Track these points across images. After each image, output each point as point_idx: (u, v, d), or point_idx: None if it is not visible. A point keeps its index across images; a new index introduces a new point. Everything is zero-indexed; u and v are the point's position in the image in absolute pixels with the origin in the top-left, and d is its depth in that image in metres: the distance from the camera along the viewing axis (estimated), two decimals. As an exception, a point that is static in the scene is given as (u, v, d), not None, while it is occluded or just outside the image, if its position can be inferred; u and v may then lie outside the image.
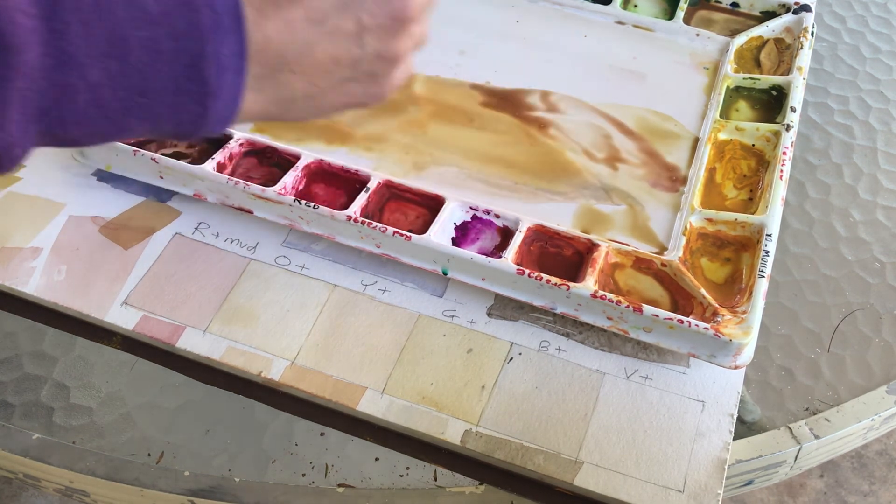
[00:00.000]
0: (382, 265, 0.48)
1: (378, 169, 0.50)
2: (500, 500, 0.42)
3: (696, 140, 0.53)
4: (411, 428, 0.42)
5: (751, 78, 0.55)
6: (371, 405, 0.42)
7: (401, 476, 0.42)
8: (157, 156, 0.48)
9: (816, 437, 0.45)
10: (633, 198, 0.50)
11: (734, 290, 0.44)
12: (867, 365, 0.48)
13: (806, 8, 0.58)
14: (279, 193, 0.46)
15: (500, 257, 0.44)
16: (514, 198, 0.49)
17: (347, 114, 0.53)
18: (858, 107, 0.61)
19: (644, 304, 0.42)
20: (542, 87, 0.56)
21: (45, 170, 0.52)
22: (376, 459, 0.43)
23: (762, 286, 0.43)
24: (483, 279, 0.45)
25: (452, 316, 0.46)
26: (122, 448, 0.43)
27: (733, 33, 0.59)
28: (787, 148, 0.49)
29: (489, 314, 0.46)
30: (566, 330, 0.45)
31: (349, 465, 0.43)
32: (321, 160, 0.49)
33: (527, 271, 0.43)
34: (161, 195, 0.51)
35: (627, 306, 0.42)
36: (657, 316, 0.42)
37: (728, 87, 0.55)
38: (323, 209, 0.46)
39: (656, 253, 0.46)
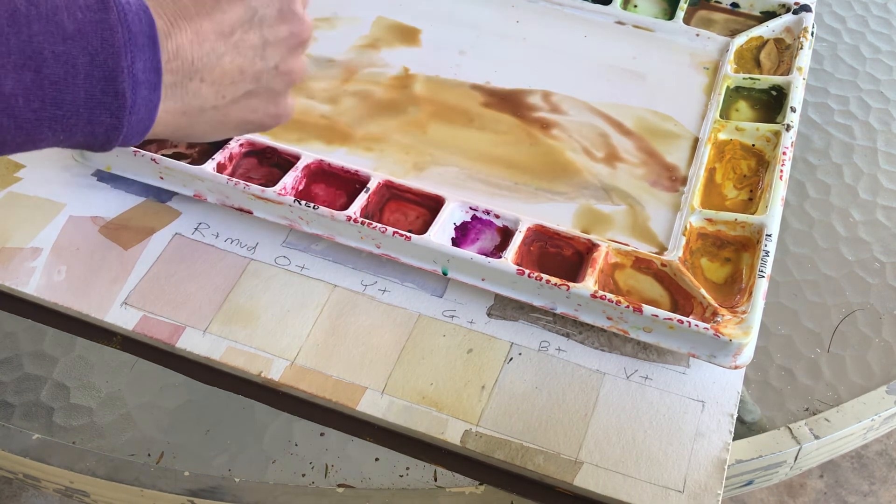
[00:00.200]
0: (382, 265, 0.48)
1: (378, 169, 0.50)
2: (500, 500, 0.42)
3: (696, 140, 0.53)
4: (411, 428, 0.42)
5: (751, 78, 0.55)
6: (371, 405, 0.42)
7: (401, 476, 0.42)
8: (157, 156, 0.48)
9: (816, 437, 0.45)
10: (633, 198, 0.50)
11: (734, 290, 0.44)
12: (867, 365, 0.48)
13: (806, 8, 0.58)
14: (279, 194, 0.46)
15: (500, 257, 0.44)
16: (513, 198, 0.49)
17: (347, 114, 0.53)
18: (858, 107, 0.61)
19: (644, 304, 0.42)
20: (543, 88, 0.56)
21: (45, 170, 0.52)
22: (376, 459, 0.43)
23: (762, 286, 0.43)
24: (483, 279, 0.45)
25: (452, 316, 0.46)
26: (122, 448, 0.43)
27: (733, 33, 0.59)
28: (787, 148, 0.49)
29: (489, 314, 0.46)
30: (566, 330, 0.45)
31: (349, 465, 0.43)
32: (321, 160, 0.49)
33: (527, 271, 0.43)
34: (161, 195, 0.51)
35: (627, 306, 0.42)
36: (657, 316, 0.42)
37: (728, 87, 0.55)
38: (323, 209, 0.46)
39: (656, 253, 0.46)
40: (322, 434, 0.44)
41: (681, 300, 0.44)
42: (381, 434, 0.43)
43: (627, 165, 0.51)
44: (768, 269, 0.44)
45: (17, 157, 0.52)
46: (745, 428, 0.45)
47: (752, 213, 0.47)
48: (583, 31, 0.60)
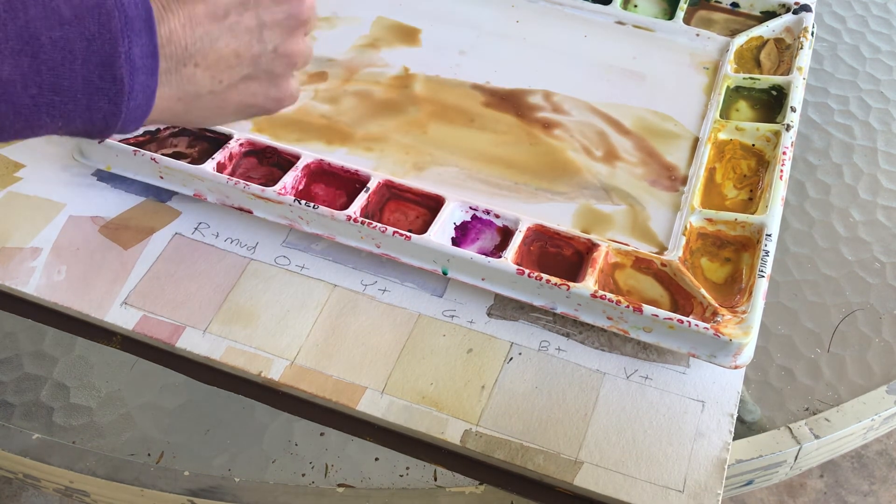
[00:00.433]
0: (382, 265, 0.48)
1: (378, 169, 0.50)
2: (500, 500, 0.42)
3: (696, 140, 0.53)
4: (411, 428, 0.42)
5: (751, 78, 0.55)
6: (371, 405, 0.42)
7: (401, 476, 0.42)
8: (157, 156, 0.48)
9: (816, 437, 0.45)
10: (633, 198, 0.50)
11: (734, 290, 0.44)
12: (867, 365, 0.48)
13: (806, 8, 0.58)
14: (279, 193, 0.46)
15: (500, 257, 0.44)
16: (513, 198, 0.49)
17: (347, 114, 0.53)
18: (858, 107, 0.61)
19: (644, 304, 0.42)
20: (543, 88, 0.56)
21: (45, 170, 0.52)
22: (376, 459, 0.43)
23: (762, 286, 0.43)
24: (483, 279, 0.45)
25: (452, 316, 0.46)
26: (122, 448, 0.43)
27: (733, 33, 0.59)
28: (787, 148, 0.49)
29: (489, 314, 0.46)
30: (566, 330, 0.45)
31: (349, 465, 0.43)
32: (321, 160, 0.49)
33: (527, 271, 0.43)
34: (161, 195, 0.51)
35: (627, 306, 0.42)
36: (657, 316, 0.42)
37: (728, 87, 0.55)
38: (323, 209, 0.46)
39: (656, 253, 0.46)
40: (322, 434, 0.44)
41: (681, 300, 0.44)
42: (381, 434, 0.43)
43: (627, 165, 0.51)
44: (768, 269, 0.44)
45: (18, 157, 0.52)
46: (745, 428, 0.45)
47: (752, 213, 0.47)
48: (583, 31, 0.60)
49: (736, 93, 0.55)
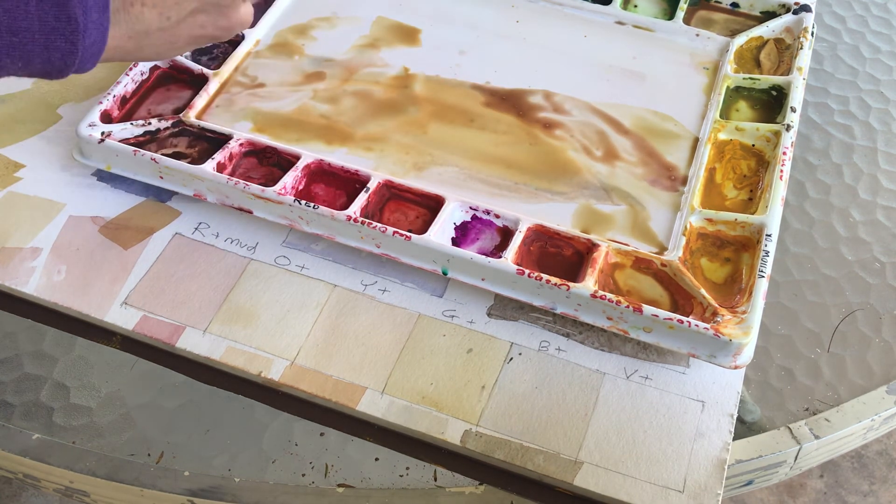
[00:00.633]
0: (382, 265, 0.48)
1: (378, 169, 0.50)
2: (500, 500, 0.42)
3: (696, 140, 0.53)
4: (411, 428, 0.42)
5: (751, 78, 0.55)
6: (371, 405, 0.42)
7: (401, 476, 0.42)
8: (157, 156, 0.48)
9: (816, 437, 0.45)
10: (633, 198, 0.50)
11: (734, 290, 0.44)
12: (867, 365, 0.48)
13: (806, 8, 0.58)
14: (279, 193, 0.46)
15: (500, 257, 0.44)
16: (514, 198, 0.49)
17: (347, 114, 0.53)
18: (858, 107, 0.61)
19: (644, 304, 0.42)
20: (543, 88, 0.56)
21: (45, 170, 0.52)
22: (376, 459, 0.43)
23: (762, 286, 0.43)
24: (483, 279, 0.45)
25: (452, 316, 0.46)
26: (122, 448, 0.43)
27: (733, 33, 0.59)
28: (787, 148, 0.49)
29: (489, 314, 0.46)
30: (566, 330, 0.45)
31: (349, 465, 0.43)
32: (321, 160, 0.49)
33: (527, 271, 0.43)
34: (161, 195, 0.51)
35: (627, 306, 0.42)
36: (657, 316, 0.42)
37: (728, 87, 0.55)
38: (323, 209, 0.46)
39: (656, 253, 0.46)
40: (322, 434, 0.44)
41: (681, 300, 0.44)
42: (381, 434, 0.43)
43: (627, 165, 0.51)
44: (768, 269, 0.44)
45: (17, 157, 0.52)
46: (745, 428, 0.45)
47: (752, 213, 0.47)
48: (583, 31, 0.60)
49: (736, 93, 0.55)
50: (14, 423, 0.44)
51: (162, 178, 0.49)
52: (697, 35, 0.59)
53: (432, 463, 0.42)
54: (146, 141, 0.50)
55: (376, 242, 0.46)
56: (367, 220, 0.45)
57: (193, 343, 0.44)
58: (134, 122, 0.51)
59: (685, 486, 0.40)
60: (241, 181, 0.47)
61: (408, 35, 0.59)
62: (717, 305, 0.43)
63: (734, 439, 0.41)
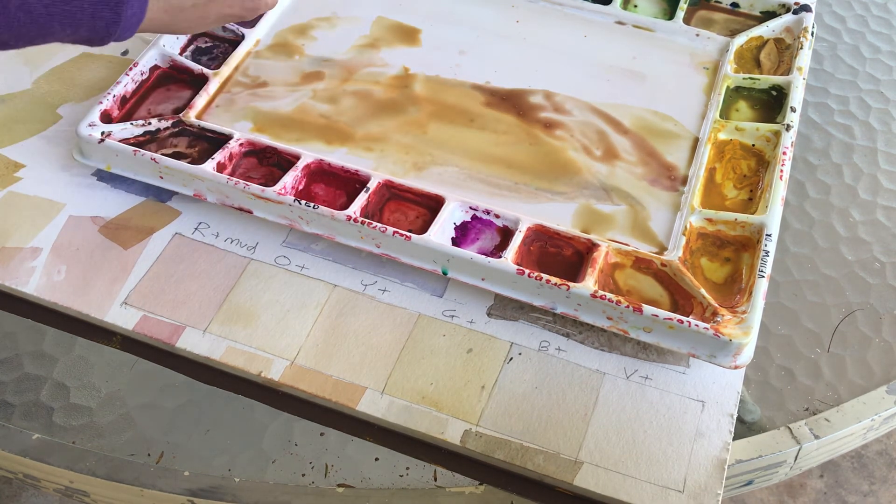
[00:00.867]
0: (382, 265, 0.48)
1: (378, 169, 0.50)
2: (500, 500, 0.42)
3: (696, 140, 0.53)
4: (411, 428, 0.42)
5: (751, 78, 0.55)
6: (371, 405, 0.42)
7: (401, 476, 0.42)
8: (157, 156, 0.48)
9: (816, 437, 0.45)
10: (633, 198, 0.50)
11: (734, 290, 0.44)
12: (867, 365, 0.48)
13: (806, 8, 0.58)
14: (279, 193, 0.46)
15: (500, 257, 0.44)
16: (514, 198, 0.49)
17: (347, 114, 0.53)
18: (858, 107, 0.61)
19: (644, 304, 0.42)
20: (543, 88, 0.56)
21: (45, 170, 0.52)
22: (376, 459, 0.43)
23: (762, 286, 0.43)
24: (483, 279, 0.45)
25: (452, 316, 0.46)
26: (122, 448, 0.43)
27: (733, 33, 0.59)
28: (787, 148, 0.49)
29: (489, 314, 0.46)
30: (566, 330, 0.45)
31: (349, 465, 0.43)
32: (321, 160, 0.49)
33: (527, 271, 0.43)
34: (161, 195, 0.51)
35: (627, 306, 0.42)
36: (657, 316, 0.42)
37: (728, 87, 0.55)
38: (323, 209, 0.46)
39: (656, 253, 0.46)
40: (322, 434, 0.44)
41: (681, 300, 0.44)
42: (381, 434, 0.43)
43: (627, 165, 0.51)
44: (768, 269, 0.44)
45: (18, 157, 0.52)
46: (745, 428, 0.45)
47: (752, 213, 0.47)
48: (583, 31, 0.60)
49: (736, 93, 0.55)
50: (14, 423, 0.44)
51: (162, 178, 0.49)
52: (697, 35, 0.59)
53: (432, 463, 0.42)
54: (146, 141, 0.50)
55: (376, 242, 0.46)
56: (367, 220, 0.45)
57: (193, 343, 0.44)
58: (134, 122, 0.51)
59: (685, 486, 0.40)
60: (241, 181, 0.47)
61: (408, 35, 0.59)
62: (717, 305, 0.43)
63: (734, 439, 0.41)
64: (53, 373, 0.46)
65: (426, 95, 0.55)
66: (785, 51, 0.57)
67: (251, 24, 0.57)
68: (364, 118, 0.53)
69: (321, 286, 0.47)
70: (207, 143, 0.50)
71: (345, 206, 0.47)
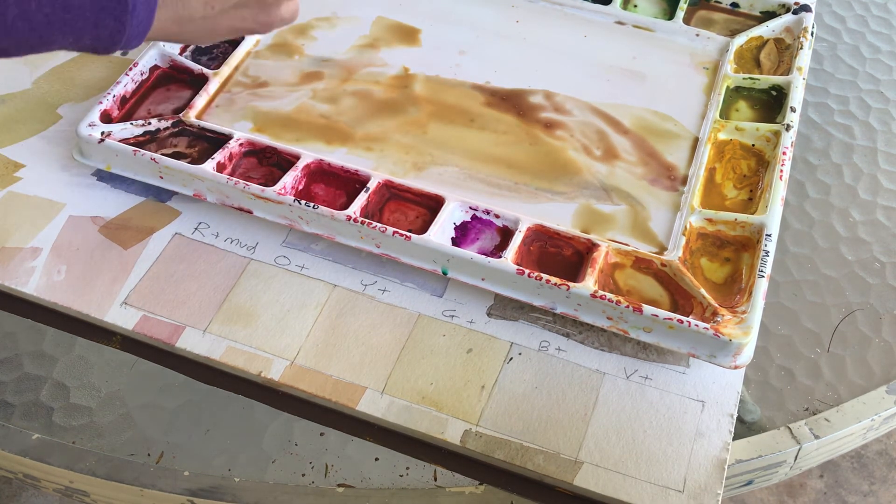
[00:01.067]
0: (382, 265, 0.48)
1: (378, 169, 0.50)
2: (500, 500, 0.42)
3: (696, 140, 0.53)
4: (411, 428, 0.42)
5: (751, 78, 0.55)
6: (371, 405, 0.42)
7: (401, 476, 0.42)
8: (157, 156, 0.48)
9: (816, 437, 0.45)
10: (633, 197, 0.50)
11: (734, 290, 0.44)
12: (867, 365, 0.48)
13: (806, 8, 0.58)
14: (279, 193, 0.46)
15: (500, 257, 0.44)
16: (514, 198, 0.49)
17: (347, 113, 0.53)
18: (858, 107, 0.61)
19: (644, 304, 0.42)
20: (543, 88, 0.56)
21: (45, 170, 0.52)
22: (376, 459, 0.43)
23: (762, 286, 0.43)
24: (483, 279, 0.45)
25: (452, 316, 0.46)
26: (121, 448, 0.43)
27: (733, 33, 0.59)
28: (787, 148, 0.49)
29: (489, 314, 0.46)
30: (566, 330, 0.45)
31: (349, 465, 0.43)
32: (321, 160, 0.49)
33: (526, 271, 0.43)
34: (161, 195, 0.51)
35: (627, 306, 0.42)
36: (657, 316, 0.42)
37: (728, 87, 0.55)
38: (323, 209, 0.46)
39: (656, 253, 0.46)
40: (322, 434, 0.44)
41: (681, 300, 0.44)
42: (381, 434, 0.43)
43: (627, 165, 0.51)
44: (768, 269, 0.44)
45: (18, 157, 0.52)
46: (745, 428, 0.45)
47: (752, 213, 0.47)
48: (583, 31, 0.60)
49: (736, 93, 0.55)
50: (14, 423, 0.44)
51: (162, 178, 0.49)
52: (697, 35, 0.59)
53: (432, 463, 0.42)
54: (146, 141, 0.50)
55: (376, 242, 0.46)
56: (367, 220, 0.45)
57: (193, 343, 0.44)
58: (134, 122, 0.51)
59: (685, 486, 0.40)
60: (241, 181, 0.47)
61: (408, 35, 0.59)
62: (717, 305, 0.43)
63: (734, 439, 0.41)
64: (53, 373, 0.46)
65: (426, 95, 0.55)
66: (785, 51, 0.57)
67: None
68: (364, 118, 0.53)
69: (321, 286, 0.47)
70: (207, 143, 0.50)
71: (345, 206, 0.47)
